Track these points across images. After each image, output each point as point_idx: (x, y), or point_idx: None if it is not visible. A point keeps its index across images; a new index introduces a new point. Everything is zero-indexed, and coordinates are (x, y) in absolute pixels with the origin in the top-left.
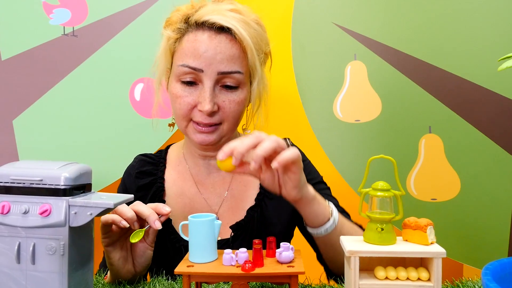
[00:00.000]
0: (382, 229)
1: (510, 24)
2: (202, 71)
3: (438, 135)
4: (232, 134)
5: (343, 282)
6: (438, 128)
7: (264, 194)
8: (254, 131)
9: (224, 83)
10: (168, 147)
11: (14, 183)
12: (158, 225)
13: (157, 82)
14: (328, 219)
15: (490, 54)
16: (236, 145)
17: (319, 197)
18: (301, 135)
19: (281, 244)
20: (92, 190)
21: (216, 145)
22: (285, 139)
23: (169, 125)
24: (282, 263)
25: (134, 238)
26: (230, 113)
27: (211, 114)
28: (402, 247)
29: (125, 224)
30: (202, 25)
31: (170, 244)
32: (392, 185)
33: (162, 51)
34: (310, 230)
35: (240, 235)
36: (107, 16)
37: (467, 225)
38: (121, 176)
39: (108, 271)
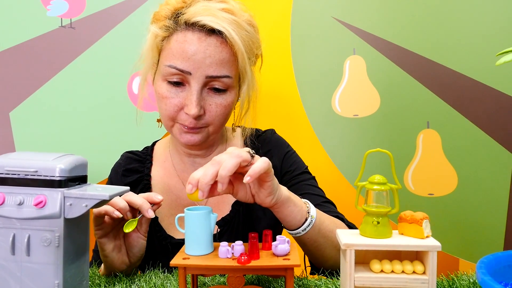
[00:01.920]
0: (378, 223)
1: (508, 19)
2: (190, 73)
3: (436, 131)
4: (218, 134)
5: (328, 275)
6: (436, 124)
7: None
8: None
9: (212, 85)
10: (154, 144)
11: (9, 174)
12: (151, 214)
13: (143, 77)
14: (306, 219)
15: (489, 50)
16: (200, 177)
17: (294, 198)
18: (300, 130)
19: (277, 237)
20: (89, 182)
21: (201, 145)
22: (248, 150)
23: (158, 120)
24: (278, 256)
25: (128, 228)
26: (216, 116)
27: (197, 117)
28: (397, 240)
29: (118, 214)
30: (192, 26)
31: (157, 242)
32: (389, 178)
33: (149, 47)
34: (288, 231)
35: (226, 231)
36: (105, 8)
37: (463, 220)
38: None
39: (102, 264)
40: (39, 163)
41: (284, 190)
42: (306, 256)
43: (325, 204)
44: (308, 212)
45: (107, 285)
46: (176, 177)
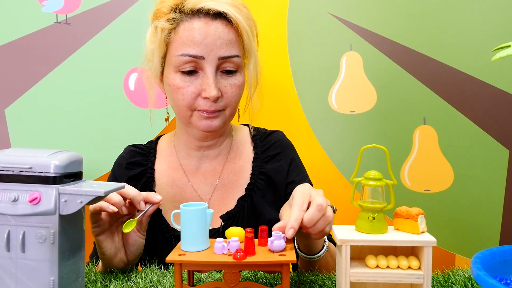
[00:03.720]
0: (374, 218)
1: (504, 15)
2: (203, 58)
3: (433, 127)
4: (231, 119)
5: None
6: (432, 120)
7: (254, 184)
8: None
9: (224, 68)
10: (158, 138)
11: (3, 170)
12: (142, 206)
13: (153, 75)
14: (323, 246)
15: (486, 46)
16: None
17: None
18: (296, 126)
19: (273, 233)
20: (84, 179)
21: (218, 132)
22: (333, 209)
23: (166, 119)
24: (273, 251)
25: (127, 228)
26: (232, 97)
27: (216, 99)
28: (393, 236)
29: (113, 208)
30: (198, 13)
31: (160, 234)
32: (386, 174)
33: (156, 43)
34: (303, 255)
35: (230, 225)
36: (100, 4)
37: (460, 216)
38: None
39: (100, 261)
40: (34, 160)
41: None
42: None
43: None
44: (325, 240)
45: (103, 282)
46: (181, 170)
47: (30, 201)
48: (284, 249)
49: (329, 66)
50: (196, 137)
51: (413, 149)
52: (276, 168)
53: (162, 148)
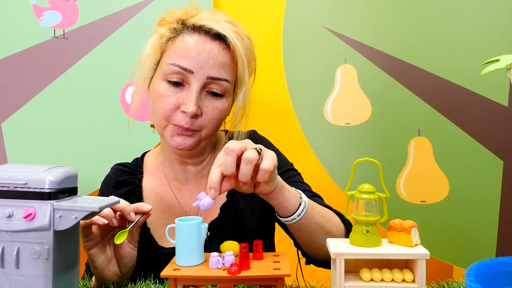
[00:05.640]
0: (367, 231)
1: (496, 28)
2: (192, 72)
3: (427, 138)
4: (208, 141)
5: (322, 266)
6: (427, 131)
7: (234, 190)
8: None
9: (210, 89)
10: (143, 155)
11: None
12: (132, 216)
13: (141, 79)
14: (300, 204)
15: (478, 58)
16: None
17: (287, 185)
18: (292, 138)
19: (198, 196)
20: (79, 194)
21: (192, 151)
22: (256, 148)
23: (151, 125)
24: (205, 209)
25: (119, 239)
26: (211, 120)
27: (194, 116)
28: (387, 249)
29: (103, 221)
30: (199, 29)
31: (149, 253)
32: (380, 187)
33: (152, 48)
34: (283, 219)
35: (217, 234)
36: (98, 19)
37: (456, 227)
38: None
39: (93, 276)
40: (29, 175)
41: (279, 177)
42: (299, 247)
43: (313, 198)
44: (301, 198)
45: None
46: (168, 186)
47: (25, 217)
48: (279, 266)
49: (324, 79)
50: (173, 151)
51: (408, 160)
52: None
53: (148, 164)
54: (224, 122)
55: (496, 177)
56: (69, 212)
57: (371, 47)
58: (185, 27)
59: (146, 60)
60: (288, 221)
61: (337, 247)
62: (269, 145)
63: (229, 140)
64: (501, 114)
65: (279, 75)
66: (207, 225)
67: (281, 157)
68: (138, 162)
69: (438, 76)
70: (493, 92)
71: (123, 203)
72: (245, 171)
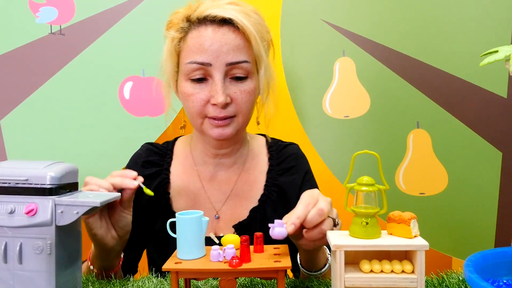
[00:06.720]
0: (367, 223)
1: (494, 19)
2: (210, 65)
3: (426, 130)
4: (245, 127)
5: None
6: (426, 124)
7: (267, 196)
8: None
9: (233, 74)
10: (175, 140)
11: None
12: (134, 184)
13: (166, 84)
14: (325, 264)
15: (476, 50)
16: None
17: (323, 247)
18: (291, 132)
19: (275, 220)
20: (79, 189)
21: (232, 140)
22: (334, 217)
23: (180, 128)
24: (274, 238)
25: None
26: (243, 103)
27: (225, 106)
28: (386, 240)
29: (103, 191)
30: (204, 20)
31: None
32: (379, 179)
33: (168, 53)
34: (305, 272)
35: (242, 234)
36: (94, 14)
37: (455, 219)
38: None
39: (92, 248)
40: (30, 172)
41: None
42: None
43: None
44: (328, 259)
45: None
46: (196, 176)
47: (27, 213)
48: (283, 247)
49: (322, 72)
50: (211, 144)
51: (407, 152)
52: (289, 181)
53: (178, 150)
54: (257, 103)
55: (495, 168)
56: (71, 207)
57: (369, 40)
58: (191, 23)
59: (166, 66)
60: (309, 274)
61: (337, 239)
62: (308, 166)
63: (269, 150)
64: (500, 106)
65: (277, 68)
66: (208, 218)
67: (314, 183)
68: (169, 146)
69: (437, 68)
70: (492, 83)
71: (119, 180)
72: (313, 219)
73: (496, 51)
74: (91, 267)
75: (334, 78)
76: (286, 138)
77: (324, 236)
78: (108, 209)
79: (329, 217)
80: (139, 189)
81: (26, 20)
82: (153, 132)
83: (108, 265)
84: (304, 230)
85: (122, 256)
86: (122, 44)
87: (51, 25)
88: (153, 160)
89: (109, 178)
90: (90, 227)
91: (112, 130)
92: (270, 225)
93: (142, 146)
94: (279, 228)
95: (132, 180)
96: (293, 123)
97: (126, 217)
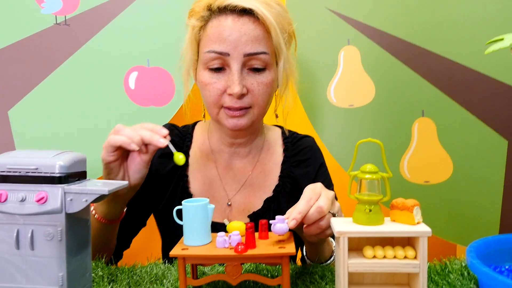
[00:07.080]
0: (370, 210)
1: (500, 6)
2: (228, 54)
3: (431, 119)
4: (262, 118)
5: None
6: (431, 112)
7: (282, 187)
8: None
9: (251, 65)
10: (195, 124)
11: (10, 172)
12: (163, 142)
13: (185, 73)
14: (331, 256)
15: (482, 37)
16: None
17: (329, 238)
18: (296, 121)
19: (276, 216)
20: (88, 178)
21: (247, 130)
22: (334, 212)
23: (203, 116)
24: (276, 233)
25: (180, 161)
26: (260, 95)
27: (241, 96)
28: (389, 227)
29: (134, 147)
30: (225, 10)
31: None
32: (382, 167)
33: (188, 42)
34: (311, 263)
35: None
36: (99, 4)
37: (459, 206)
38: None
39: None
40: (39, 161)
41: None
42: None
43: None
44: (333, 251)
45: (109, 277)
46: (213, 162)
47: (37, 201)
48: (286, 234)
49: (327, 61)
50: (227, 134)
51: (412, 141)
52: (303, 173)
53: (197, 134)
54: (275, 95)
55: (501, 157)
56: (80, 195)
57: (374, 28)
58: (211, 12)
59: (186, 54)
60: (312, 263)
61: (341, 225)
62: (322, 159)
63: (284, 141)
64: (506, 94)
65: None
66: (213, 206)
67: (328, 176)
68: (189, 130)
69: (442, 56)
70: (498, 71)
71: (148, 134)
72: (312, 217)
73: (502, 39)
74: (93, 211)
75: (339, 67)
76: (290, 127)
77: (323, 231)
78: (128, 157)
79: (330, 212)
80: (162, 158)
81: (31, 11)
82: (158, 121)
83: (110, 212)
84: (303, 226)
85: (124, 210)
86: (127, 34)
87: (56, 16)
88: (174, 140)
89: (138, 129)
90: (109, 172)
91: (118, 119)
92: (271, 221)
93: (165, 125)
94: (280, 224)
95: (162, 138)
96: (298, 112)
97: (142, 170)
